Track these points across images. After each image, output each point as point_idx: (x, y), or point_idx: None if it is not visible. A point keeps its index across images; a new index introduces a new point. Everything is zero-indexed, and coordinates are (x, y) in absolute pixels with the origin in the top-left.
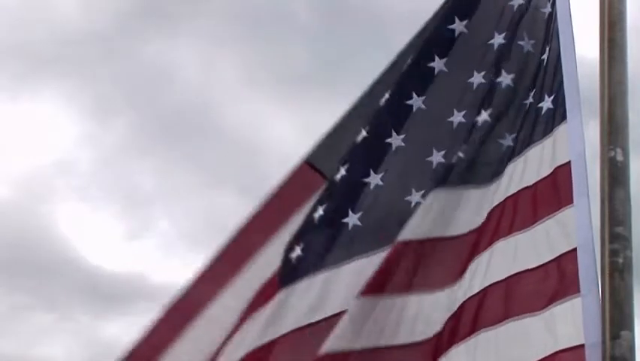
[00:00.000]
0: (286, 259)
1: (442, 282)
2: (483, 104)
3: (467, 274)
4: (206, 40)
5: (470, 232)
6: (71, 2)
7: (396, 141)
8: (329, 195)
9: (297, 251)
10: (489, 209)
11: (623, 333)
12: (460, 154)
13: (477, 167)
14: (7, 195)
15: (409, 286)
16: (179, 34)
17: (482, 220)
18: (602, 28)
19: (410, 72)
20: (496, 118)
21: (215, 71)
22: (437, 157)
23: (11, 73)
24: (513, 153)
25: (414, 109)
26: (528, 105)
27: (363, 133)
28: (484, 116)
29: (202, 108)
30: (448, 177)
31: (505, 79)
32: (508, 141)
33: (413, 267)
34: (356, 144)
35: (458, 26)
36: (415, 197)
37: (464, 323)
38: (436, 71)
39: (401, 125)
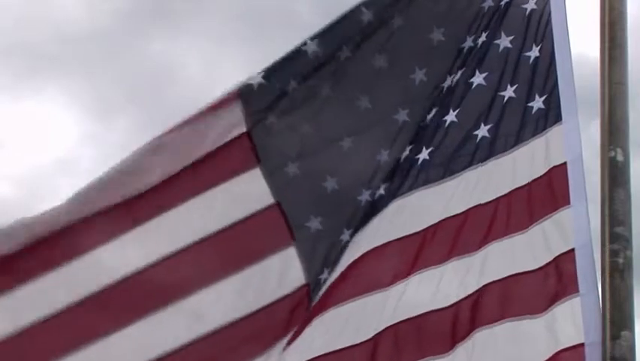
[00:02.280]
0: (317, 282)
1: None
2: (450, 104)
3: (450, 270)
4: (209, 40)
5: (439, 222)
6: (74, 1)
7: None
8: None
9: (325, 274)
10: (468, 202)
11: (623, 333)
12: (426, 154)
13: (447, 162)
14: (9, 194)
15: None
16: (182, 33)
17: (456, 211)
18: (602, 28)
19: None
20: (464, 115)
21: (218, 70)
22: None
23: (13, 72)
24: (493, 146)
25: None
26: (506, 98)
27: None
28: (451, 116)
29: None
30: (409, 179)
31: (478, 78)
32: (483, 132)
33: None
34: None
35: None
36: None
37: (462, 325)
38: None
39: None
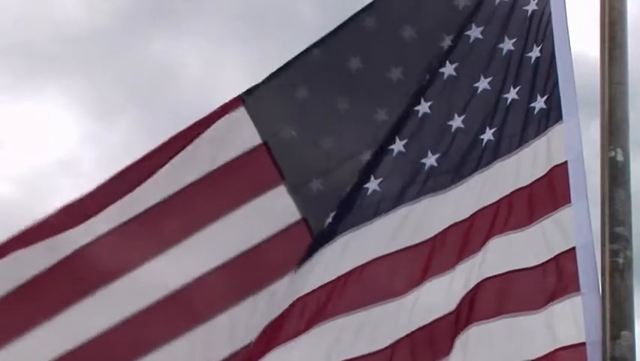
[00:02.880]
0: None
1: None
2: (455, 110)
3: (457, 273)
4: (209, 39)
5: (448, 228)
6: (74, 1)
7: (398, 145)
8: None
9: None
10: (475, 205)
11: (623, 333)
12: (433, 160)
13: (455, 168)
14: (9, 194)
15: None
16: (182, 33)
17: (464, 216)
18: (602, 28)
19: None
20: (470, 120)
21: (218, 70)
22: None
23: (13, 72)
24: (498, 148)
25: (420, 114)
26: (510, 100)
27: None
28: (457, 121)
29: (206, 107)
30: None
31: (482, 83)
32: (488, 135)
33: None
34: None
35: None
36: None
37: (460, 321)
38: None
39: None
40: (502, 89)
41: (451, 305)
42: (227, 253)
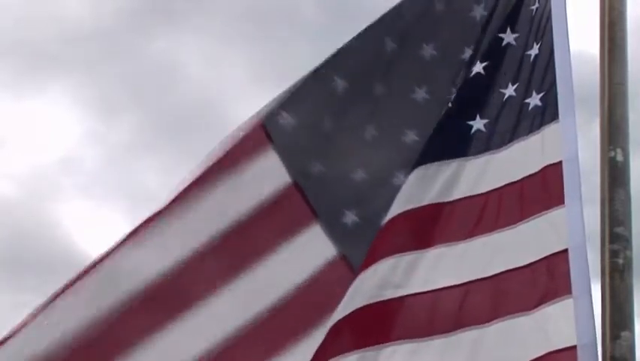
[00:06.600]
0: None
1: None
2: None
3: (431, 259)
4: (211, 38)
5: (428, 205)
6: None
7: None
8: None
9: None
10: (459, 193)
11: (623, 333)
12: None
13: (439, 146)
14: (11, 193)
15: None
16: (184, 32)
17: (448, 199)
18: (602, 28)
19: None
20: (461, 101)
21: (220, 69)
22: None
23: (15, 70)
24: (490, 141)
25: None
26: (507, 96)
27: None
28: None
29: (207, 106)
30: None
31: (477, 67)
32: (479, 124)
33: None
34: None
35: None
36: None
37: (444, 316)
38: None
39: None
40: (501, 83)
41: (422, 285)
42: (267, 300)
